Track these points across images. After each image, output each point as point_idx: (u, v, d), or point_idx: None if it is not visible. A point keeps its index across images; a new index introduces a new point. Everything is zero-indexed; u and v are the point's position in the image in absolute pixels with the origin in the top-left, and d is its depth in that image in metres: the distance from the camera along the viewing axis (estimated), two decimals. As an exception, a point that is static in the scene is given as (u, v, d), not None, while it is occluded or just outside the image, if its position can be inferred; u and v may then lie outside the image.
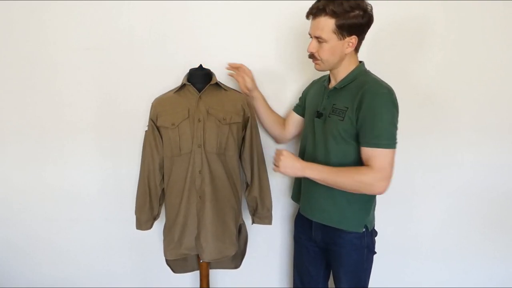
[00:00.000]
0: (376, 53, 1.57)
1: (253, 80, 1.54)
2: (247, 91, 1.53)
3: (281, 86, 1.66)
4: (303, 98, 1.51)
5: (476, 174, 1.72)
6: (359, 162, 1.21)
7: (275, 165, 1.25)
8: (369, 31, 1.21)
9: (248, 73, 1.54)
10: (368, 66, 1.30)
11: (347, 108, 1.18)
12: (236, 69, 1.56)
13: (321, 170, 1.19)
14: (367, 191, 1.18)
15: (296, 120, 1.53)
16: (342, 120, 1.19)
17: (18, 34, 1.59)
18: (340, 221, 1.27)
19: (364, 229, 1.27)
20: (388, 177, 1.15)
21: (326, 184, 1.21)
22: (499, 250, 1.80)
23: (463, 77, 1.64)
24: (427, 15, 1.58)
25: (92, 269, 1.84)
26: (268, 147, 1.68)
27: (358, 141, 1.18)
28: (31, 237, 1.79)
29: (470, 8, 1.57)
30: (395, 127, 1.15)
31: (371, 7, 1.16)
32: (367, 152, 1.15)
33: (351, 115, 1.17)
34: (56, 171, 1.72)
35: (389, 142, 1.14)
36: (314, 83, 1.50)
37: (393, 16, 1.57)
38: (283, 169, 1.22)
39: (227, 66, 1.57)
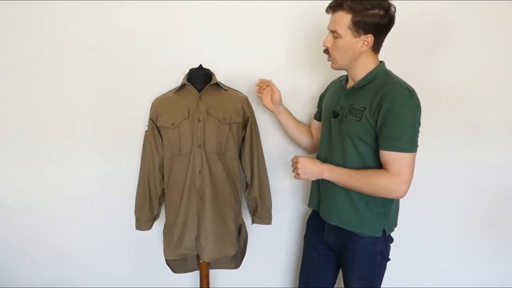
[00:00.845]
0: (384, 54, 1.58)
1: (279, 95, 1.45)
2: (272, 106, 1.47)
3: (283, 86, 1.65)
4: (320, 103, 1.48)
5: (476, 174, 1.72)
6: (376, 163, 1.19)
7: (295, 172, 1.25)
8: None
9: (276, 90, 1.45)
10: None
11: (365, 108, 1.15)
12: (263, 85, 1.47)
13: (339, 173, 1.19)
14: (386, 195, 1.16)
15: (319, 127, 1.45)
16: (359, 121, 1.16)
17: (18, 34, 1.59)
18: (358, 225, 1.24)
19: (381, 234, 1.24)
20: (407, 181, 1.12)
21: (344, 187, 1.21)
22: (499, 250, 1.80)
23: (463, 78, 1.64)
24: (431, 14, 1.58)
25: (92, 269, 1.84)
26: (268, 147, 1.68)
27: (377, 143, 1.16)
28: (31, 237, 1.79)
29: (474, 8, 1.57)
30: (416, 130, 1.13)
31: (395, 8, 1.13)
32: (386, 155, 1.13)
33: (368, 116, 1.14)
34: (56, 171, 1.72)
35: (410, 145, 1.11)
36: (331, 84, 1.46)
37: (404, 14, 1.57)
38: (303, 175, 1.23)
39: (257, 82, 1.48)
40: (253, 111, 1.54)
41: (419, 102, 1.14)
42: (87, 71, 1.63)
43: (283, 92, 1.66)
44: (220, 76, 1.55)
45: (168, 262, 1.56)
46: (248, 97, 1.54)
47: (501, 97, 1.66)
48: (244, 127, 1.51)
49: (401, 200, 1.72)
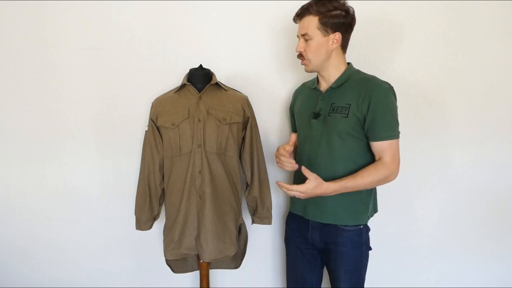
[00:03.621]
0: (369, 53, 1.58)
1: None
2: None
3: (283, 85, 1.66)
4: (293, 113, 1.51)
5: (475, 173, 1.72)
6: (362, 155, 1.25)
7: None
8: (360, 31, 1.30)
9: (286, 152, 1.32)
10: (359, 67, 1.34)
11: (350, 104, 1.23)
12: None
13: (342, 186, 1.20)
14: (385, 182, 1.24)
15: None
16: (346, 117, 1.22)
17: (19, 34, 1.60)
18: (352, 218, 1.29)
19: (367, 221, 1.32)
20: (399, 164, 1.24)
21: (355, 189, 1.23)
22: (498, 250, 1.80)
23: (461, 76, 1.64)
24: (422, 15, 1.58)
25: (92, 269, 1.84)
26: (268, 147, 1.68)
27: (366, 135, 1.23)
28: (31, 237, 1.79)
29: (466, 7, 1.57)
30: (397, 117, 1.24)
31: (353, 9, 1.25)
32: (381, 145, 1.21)
33: (355, 111, 1.21)
34: (56, 171, 1.72)
35: (397, 132, 1.23)
36: (299, 92, 1.50)
37: (386, 15, 1.57)
38: (303, 195, 1.20)
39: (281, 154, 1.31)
40: (253, 111, 1.54)
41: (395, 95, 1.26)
42: (87, 71, 1.63)
43: (283, 92, 1.66)
44: (220, 76, 1.55)
45: (168, 262, 1.56)
46: (248, 97, 1.54)
47: (500, 96, 1.66)
48: (244, 127, 1.51)
49: (400, 200, 1.73)
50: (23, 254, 1.82)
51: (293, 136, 1.28)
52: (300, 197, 1.22)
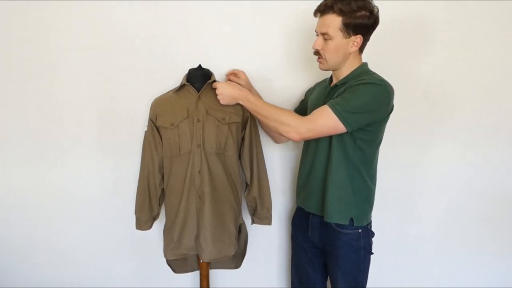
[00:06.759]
0: (376, 53, 1.58)
1: (246, 81, 1.51)
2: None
3: (283, 85, 1.66)
4: (306, 100, 1.53)
5: (476, 173, 1.72)
6: (357, 153, 1.23)
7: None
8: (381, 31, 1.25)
9: (242, 75, 1.52)
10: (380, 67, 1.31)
11: None
12: (231, 75, 1.53)
13: (254, 101, 1.30)
14: (283, 131, 1.22)
15: None
16: None
17: (18, 35, 1.60)
18: (329, 213, 1.27)
19: (348, 222, 1.26)
20: (310, 131, 1.18)
21: (256, 116, 1.32)
22: (498, 250, 1.80)
23: (463, 76, 1.64)
24: (426, 15, 1.58)
25: (92, 270, 1.84)
26: (268, 147, 1.68)
27: (357, 132, 1.20)
28: (31, 237, 1.79)
29: (470, 8, 1.57)
30: (359, 112, 1.15)
31: (378, 9, 1.18)
32: (320, 108, 1.19)
33: None
34: (56, 172, 1.72)
35: (342, 112, 1.14)
36: (316, 85, 1.51)
37: (392, 15, 1.57)
38: (223, 101, 1.34)
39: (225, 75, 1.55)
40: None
41: (385, 98, 1.18)
42: (87, 72, 1.63)
43: (280, 91, 1.66)
44: (219, 76, 1.55)
45: (168, 262, 1.56)
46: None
47: (500, 97, 1.66)
48: (244, 127, 1.50)
49: (400, 200, 1.73)
50: (23, 254, 1.82)
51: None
52: (221, 97, 1.33)
